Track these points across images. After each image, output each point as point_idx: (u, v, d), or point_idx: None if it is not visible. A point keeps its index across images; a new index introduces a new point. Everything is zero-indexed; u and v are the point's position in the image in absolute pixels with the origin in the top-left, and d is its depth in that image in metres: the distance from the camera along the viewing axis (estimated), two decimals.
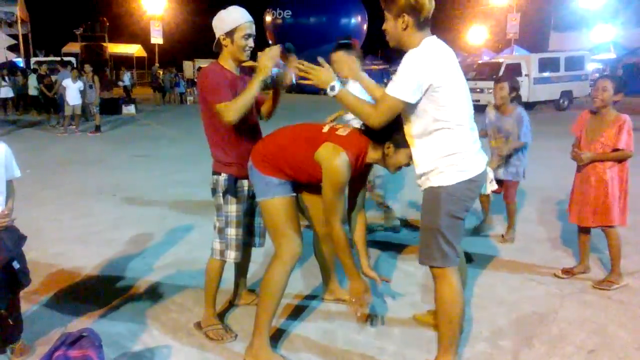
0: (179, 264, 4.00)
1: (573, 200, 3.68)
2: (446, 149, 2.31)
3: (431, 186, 2.38)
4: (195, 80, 31.37)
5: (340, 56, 2.58)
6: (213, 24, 2.74)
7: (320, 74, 2.44)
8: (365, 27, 32.80)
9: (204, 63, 39.43)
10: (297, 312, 3.18)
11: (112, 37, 34.41)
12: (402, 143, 2.54)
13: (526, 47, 31.42)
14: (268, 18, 32.72)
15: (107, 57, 32.66)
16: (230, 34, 2.67)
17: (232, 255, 2.83)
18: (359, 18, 31.88)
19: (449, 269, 2.41)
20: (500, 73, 15.79)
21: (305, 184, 2.81)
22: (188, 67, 37.77)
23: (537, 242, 4.50)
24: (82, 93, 12.58)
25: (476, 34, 42.36)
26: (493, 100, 4.45)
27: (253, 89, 2.59)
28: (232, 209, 2.79)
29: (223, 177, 2.76)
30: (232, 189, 2.76)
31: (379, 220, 4.86)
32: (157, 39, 34.72)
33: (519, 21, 32.39)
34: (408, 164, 2.65)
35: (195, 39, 49.90)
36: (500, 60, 19.45)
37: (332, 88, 2.39)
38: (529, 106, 15.86)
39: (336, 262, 3.12)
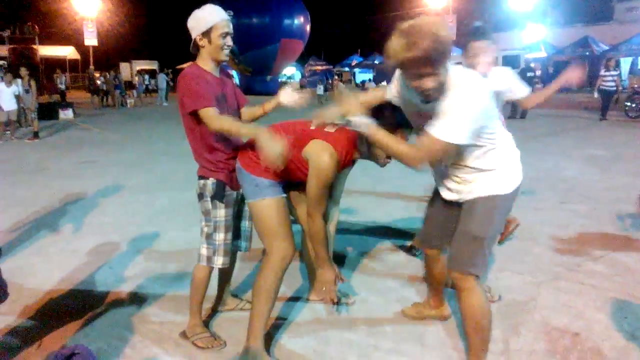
0: (149, 273, 3.82)
1: None
2: (502, 162, 2.31)
3: (488, 195, 2.30)
4: (133, 82, 30.41)
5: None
6: (188, 25, 2.63)
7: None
8: (308, 27, 32.54)
9: (141, 64, 38.31)
10: (284, 315, 3.11)
11: (42, 39, 32.47)
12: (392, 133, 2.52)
13: (462, 48, 32.43)
14: None
15: (39, 60, 30.79)
16: (206, 33, 2.58)
17: (219, 261, 2.73)
18: (302, 19, 31.64)
19: (477, 279, 2.36)
20: None
21: (294, 182, 2.76)
22: (125, 68, 36.42)
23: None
24: (17, 98, 11.85)
25: None
26: None
27: (242, 133, 2.54)
28: (221, 213, 2.69)
29: (211, 181, 2.66)
30: (220, 194, 2.66)
31: None
32: (91, 40, 33.32)
33: (455, 22, 33.49)
34: None
35: (131, 40, 48.36)
36: None
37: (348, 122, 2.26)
38: None
39: None
